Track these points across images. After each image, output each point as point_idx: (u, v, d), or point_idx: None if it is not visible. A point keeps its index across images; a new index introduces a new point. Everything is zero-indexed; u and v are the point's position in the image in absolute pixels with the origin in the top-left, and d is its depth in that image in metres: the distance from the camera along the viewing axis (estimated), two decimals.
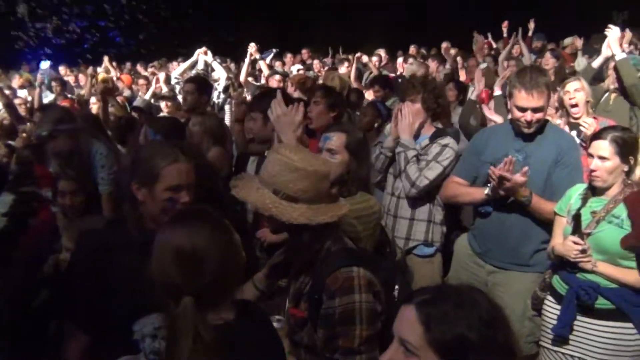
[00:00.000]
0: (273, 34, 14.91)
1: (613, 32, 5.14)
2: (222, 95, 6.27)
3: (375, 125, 5.03)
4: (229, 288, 1.57)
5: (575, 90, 4.11)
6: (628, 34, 7.01)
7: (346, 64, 8.72)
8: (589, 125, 3.84)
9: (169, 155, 2.03)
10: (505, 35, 8.96)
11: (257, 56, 8.06)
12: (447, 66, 8.48)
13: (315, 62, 10.61)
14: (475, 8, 16.03)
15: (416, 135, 3.50)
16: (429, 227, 3.46)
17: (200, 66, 6.74)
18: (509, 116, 3.31)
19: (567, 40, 8.57)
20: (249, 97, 6.24)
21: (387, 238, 2.86)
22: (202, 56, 6.76)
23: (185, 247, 1.49)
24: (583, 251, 2.70)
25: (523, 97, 2.98)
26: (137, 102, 7.21)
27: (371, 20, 17.16)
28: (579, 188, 2.91)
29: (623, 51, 5.22)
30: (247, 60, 7.55)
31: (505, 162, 2.92)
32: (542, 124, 3.12)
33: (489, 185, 3.07)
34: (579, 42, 8.41)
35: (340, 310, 1.81)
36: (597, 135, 2.86)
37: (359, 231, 2.50)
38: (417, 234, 3.45)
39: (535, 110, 3.00)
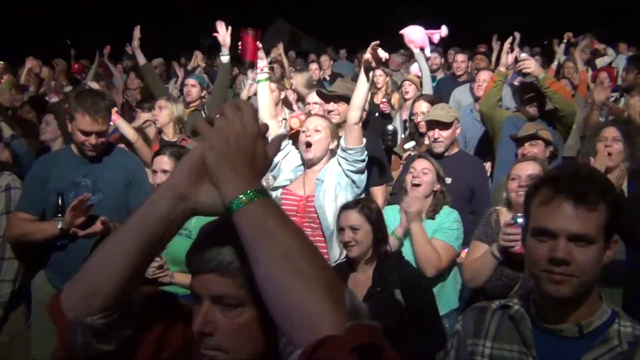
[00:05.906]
0: None
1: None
2: None
3: None
4: None
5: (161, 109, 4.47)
6: None
7: None
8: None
9: None
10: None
11: None
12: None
13: None
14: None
15: None
16: None
17: None
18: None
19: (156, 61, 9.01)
20: None
21: None
22: None
23: None
24: (160, 266, 2.77)
25: (88, 122, 2.93)
26: None
27: None
28: None
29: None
30: None
31: (79, 200, 2.80)
32: (108, 147, 3.10)
33: (58, 216, 2.87)
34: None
35: None
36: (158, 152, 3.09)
37: None
38: None
39: (99, 134, 2.96)
